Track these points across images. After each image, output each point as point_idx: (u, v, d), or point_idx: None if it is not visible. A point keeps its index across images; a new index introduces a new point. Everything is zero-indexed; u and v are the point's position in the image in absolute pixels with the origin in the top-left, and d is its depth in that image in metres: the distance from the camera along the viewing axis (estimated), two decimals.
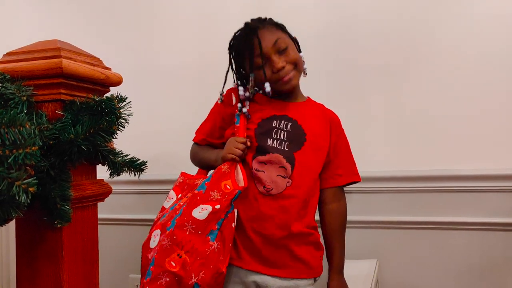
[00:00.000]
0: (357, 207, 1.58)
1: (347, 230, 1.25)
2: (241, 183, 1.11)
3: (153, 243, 1.08)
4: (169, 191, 1.22)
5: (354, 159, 1.27)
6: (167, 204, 1.18)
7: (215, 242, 1.04)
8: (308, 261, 1.15)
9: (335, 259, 1.21)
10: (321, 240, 1.21)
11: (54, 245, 0.94)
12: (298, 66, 1.18)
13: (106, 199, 1.09)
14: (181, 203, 1.11)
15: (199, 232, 1.04)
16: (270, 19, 1.22)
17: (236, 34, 1.21)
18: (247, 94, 1.20)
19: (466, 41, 1.56)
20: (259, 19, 1.21)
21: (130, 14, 1.98)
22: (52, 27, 2.05)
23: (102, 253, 1.20)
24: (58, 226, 0.91)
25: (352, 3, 1.68)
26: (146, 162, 1.08)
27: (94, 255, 1.04)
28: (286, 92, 1.20)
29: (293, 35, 1.24)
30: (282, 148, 1.14)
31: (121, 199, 1.89)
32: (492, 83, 1.53)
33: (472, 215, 1.53)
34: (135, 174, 1.08)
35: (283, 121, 1.17)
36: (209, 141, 1.28)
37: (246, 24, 1.20)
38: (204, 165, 1.26)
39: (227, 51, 1.25)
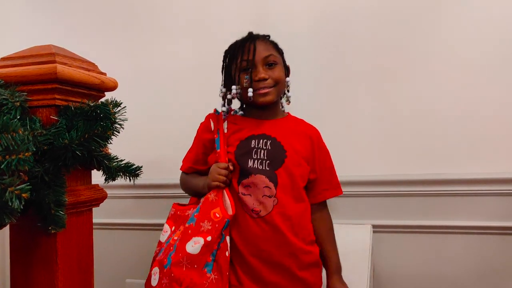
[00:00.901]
0: (352, 211, 1.58)
1: None
2: (230, 211, 1.12)
3: (154, 281, 1.10)
4: (163, 224, 1.23)
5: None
6: (163, 238, 1.19)
7: (212, 274, 1.07)
8: (308, 279, 1.16)
9: (331, 261, 1.22)
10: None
11: (49, 251, 0.94)
12: (278, 86, 1.20)
13: (103, 204, 1.09)
14: (175, 237, 1.13)
15: (195, 266, 1.06)
16: (273, 40, 1.26)
17: (235, 42, 1.25)
18: (225, 108, 1.24)
19: (457, 44, 1.56)
20: (264, 34, 1.25)
21: (126, 19, 1.98)
22: (47, 32, 2.05)
23: (99, 258, 1.20)
24: (53, 232, 0.90)
25: (343, 7, 1.68)
26: (141, 167, 1.08)
27: (89, 261, 1.04)
28: (261, 106, 1.21)
29: (286, 38, 1.28)
30: (264, 168, 1.15)
31: (117, 203, 1.89)
32: (486, 87, 1.53)
33: (469, 219, 1.53)
34: (130, 179, 1.08)
35: (261, 140, 1.18)
36: (195, 168, 1.30)
37: (250, 32, 1.25)
38: (194, 193, 1.28)
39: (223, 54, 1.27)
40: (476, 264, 1.53)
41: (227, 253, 1.10)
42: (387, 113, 1.64)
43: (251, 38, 1.20)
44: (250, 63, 1.17)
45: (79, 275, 1.00)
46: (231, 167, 1.16)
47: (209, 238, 1.07)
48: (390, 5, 1.64)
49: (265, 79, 1.17)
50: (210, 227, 1.08)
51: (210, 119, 1.26)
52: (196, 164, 1.29)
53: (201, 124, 1.30)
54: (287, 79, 1.25)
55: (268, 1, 1.77)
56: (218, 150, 1.19)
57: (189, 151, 1.32)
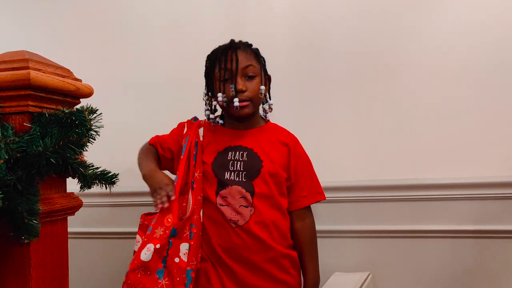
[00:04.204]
0: (324, 217, 1.59)
1: (320, 241, 1.28)
2: (187, 213, 1.17)
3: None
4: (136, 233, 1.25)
5: (318, 178, 1.30)
6: (136, 248, 1.21)
7: (163, 280, 1.12)
8: (287, 281, 1.21)
9: (309, 274, 1.25)
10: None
11: (21, 261, 0.92)
12: (256, 98, 1.22)
13: (79, 212, 1.08)
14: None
15: (148, 272, 1.12)
16: (257, 48, 1.27)
17: (216, 49, 1.26)
18: (212, 116, 1.27)
19: (434, 51, 1.59)
20: (246, 42, 1.26)
21: (102, 25, 1.97)
22: (20, 38, 2.01)
23: (74, 267, 1.18)
24: (26, 241, 0.88)
25: (320, 14, 1.70)
26: (118, 174, 1.07)
27: (64, 270, 1.02)
28: (238, 117, 1.24)
29: (263, 45, 1.28)
30: (240, 179, 1.20)
31: (93, 212, 1.86)
32: (461, 94, 1.56)
33: (443, 223, 1.55)
34: (106, 187, 1.06)
35: (238, 152, 1.22)
36: (157, 145, 1.34)
37: (232, 40, 1.26)
38: (139, 167, 1.31)
39: (200, 64, 1.29)
40: (451, 267, 1.56)
41: (177, 259, 1.13)
42: (363, 119, 1.66)
43: (233, 47, 1.22)
44: (229, 73, 1.20)
45: (53, 285, 0.98)
46: (172, 197, 1.16)
47: (158, 246, 1.12)
48: (368, 11, 1.66)
49: (243, 91, 1.19)
50: (162, 233, 1.13)
51: (186, 124, 1.31)
52: (160, 144, 1.33)
53: (179, 124, 1.34)
54: (262, 87, 1.25)
55: (245, 8, 1.78)
56: (182, 157, 1.22)
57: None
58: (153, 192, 1.18)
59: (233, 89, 1.18)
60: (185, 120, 1.34)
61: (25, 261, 0.91)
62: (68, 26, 2.01)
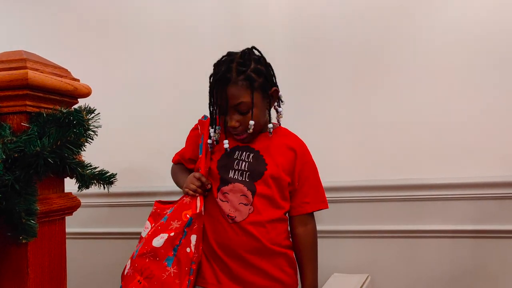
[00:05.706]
0: (323, 217, 1.59)
1: (319, 241, 1.28)
2: (197, 210, 1.19)
3: (125, 271, 1.17)
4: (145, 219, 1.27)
5: (323, 185, 1.30)
6: (143, 234, 1.23)
7: (171, 267, 1.14)
8: (283, 280, 1.22)
9: (307, 280, 1.25)
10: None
11: (19, 262, 0.91)
12: (253, 128, 1.18)
13: (77, 213, 1.07)
14: (149, 233, 1.19)
15: (157, 258, 1.14)
16: (252, 72, 1.16)
17: (215, 68, 1.21)
18: (213, 135, 1.26)
19: (434, 50, 1.59)
20: (240, 68, 1.16)
21: (101, 25, 1.96)
22: (18, 37, 2.01)
23: (72, 268, 1.18)
24: (23, 241, 0.88)
25: (318, 15, 1.71)
26: (116, 174, 1.07)
27: (62, 271, 1.01)
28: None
29: (261, 46, 1.25)
30: (243, 179, 1.21)
31: (91, 212, 1.86)
32: (459, 94, 1.57)
33: (442, 223, 1.55)
34: (104, 187, 1.06)
35: (245, 152, 1.23)
36: (181, 161, 1.37)
37: (228, 55, 1.20)
38: (179, 186, 1.34)
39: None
40: (450, 267, 1.56)
41: (188, 249, 1.16)
42: (361, 119, 1.66)
43: (224, 81, 1.15)
44: (221, 109, 1.19)
45: (51, 285, 0.97)
46: (208, 186, 1.22)
47: (172, 234, 1.15)
48: (366, 12, 1.66)
49: (235, 128, 1.20)
50: (178, 225, 1.16)
51: (198, 126, 1.33)
52: (182, 157, 1.37)
53: (191, 130, 1.36)
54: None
55: (243, 8, 1.78)
56: (200, 155, 1.25)
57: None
58: (188, 183, 1.22)
59: (225, 125, 1.22)
60: (195, 122, 1.35)
61: (22, 261, 0.91)
62: (67, 26, 2.01)
